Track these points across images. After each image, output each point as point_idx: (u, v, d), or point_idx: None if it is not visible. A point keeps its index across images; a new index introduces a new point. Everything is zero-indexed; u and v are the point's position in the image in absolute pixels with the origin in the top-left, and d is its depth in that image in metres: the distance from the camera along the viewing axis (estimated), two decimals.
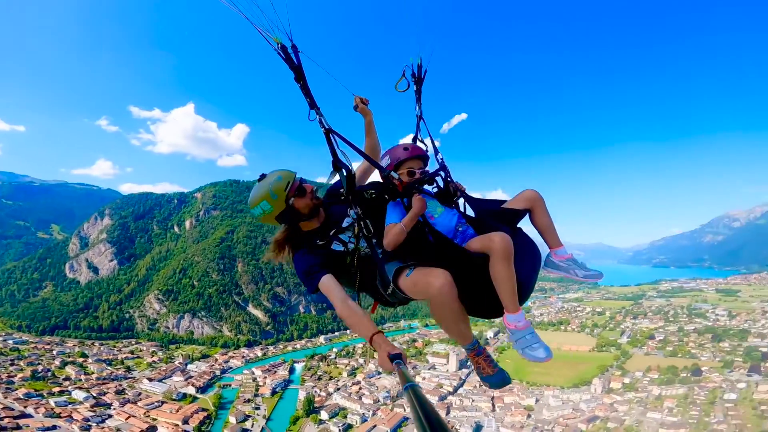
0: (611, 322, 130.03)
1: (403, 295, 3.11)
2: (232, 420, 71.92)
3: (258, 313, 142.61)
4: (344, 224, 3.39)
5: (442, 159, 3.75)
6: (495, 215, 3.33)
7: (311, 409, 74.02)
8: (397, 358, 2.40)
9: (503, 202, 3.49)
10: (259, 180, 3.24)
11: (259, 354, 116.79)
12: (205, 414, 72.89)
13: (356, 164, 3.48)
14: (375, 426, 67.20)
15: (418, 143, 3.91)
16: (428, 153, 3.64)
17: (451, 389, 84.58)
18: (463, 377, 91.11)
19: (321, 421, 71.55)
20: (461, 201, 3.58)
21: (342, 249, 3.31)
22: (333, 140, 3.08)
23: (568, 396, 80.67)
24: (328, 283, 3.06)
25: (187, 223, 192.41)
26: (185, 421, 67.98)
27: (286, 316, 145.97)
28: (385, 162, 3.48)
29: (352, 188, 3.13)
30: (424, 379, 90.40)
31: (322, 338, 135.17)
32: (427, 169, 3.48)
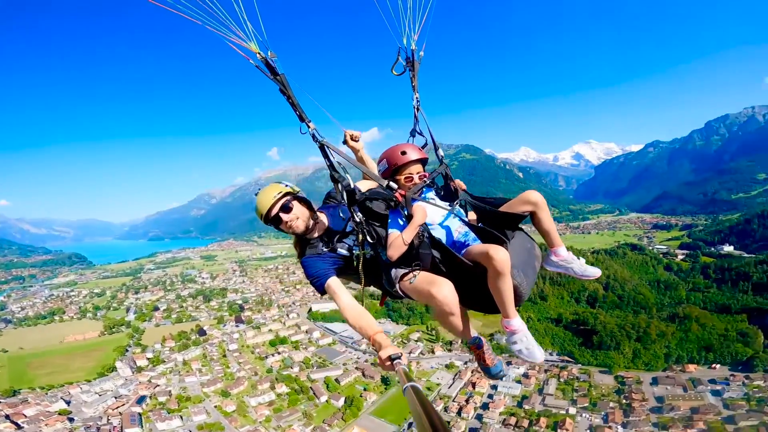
0: (114, 301, 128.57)
1: (408, 297, 3.23)
2: None
3: None
4: (347, 229, 3.42)
5: (442, 156, 3.63)
6: (496, 218, 3.37)
7: None
8: (397, 358, 2.48)
9: (504, 202, 3.49)
10: (256, 195, 3.25)
11: None
12: None
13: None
14: None
15: (417, 136, 3.79)
16: (427, 150, 3.52)
17: None
18: None
19: None
20: (462, 199, 3.55)
21: (347, 254, 3.35)
22: (329, 154, 2.97)
23: (100, 387, 76.03)
24: (332, 286, 3.16)
25: None
26: None
27: None
28: (382, 166, 3.38)
29: (352, 202, 3.12)
30: None
31: None
32: (425, 173, 3.40)
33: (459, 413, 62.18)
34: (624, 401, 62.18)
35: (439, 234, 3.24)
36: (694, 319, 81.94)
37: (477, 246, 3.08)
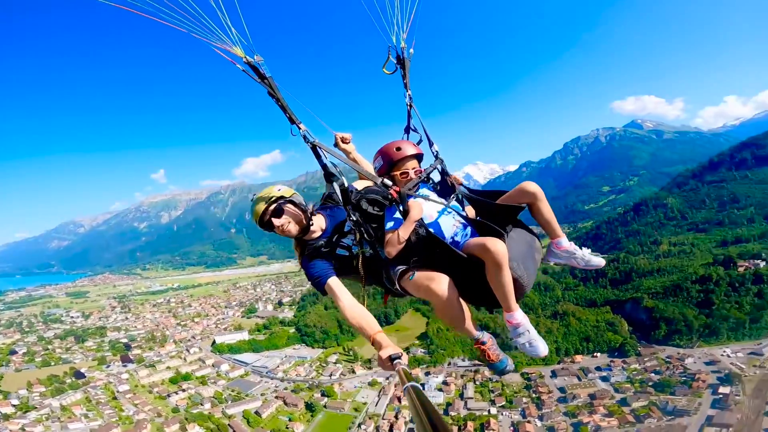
0: None
1: (408, 294, 3.24)
2: None
3: None
4: (345, 228, 3.43)
5: (437, 151, 3.58)
6: (494, 212, 3.38)
7: None
8: (397, 358, 2.48)
9: (502, 194, 3.49)
10: (251, 200, 3.35)
11: None
12: None
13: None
14: None
15: (411, 133, 3.79)
16: (421, 147, 3.50)
17: None
18: None
19: None
20: (459, 194, 3.56)
21: (347, 253, 3.36)
22: (321, 154, 2.97)
23: None
24: (332, 286, 3.16)
25: None
26: None
27: None
28: (377, 163, 3.37)
29: (347, 201, 3.13)
30: None
31: None
32: (421, 168, 3.39)
33: (391, 431, 62.55)
34: (534, 395, 68.31)
35: (437, 229, 3.21)
36: (571, 314, 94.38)
37: (474, 239, 3.10)
